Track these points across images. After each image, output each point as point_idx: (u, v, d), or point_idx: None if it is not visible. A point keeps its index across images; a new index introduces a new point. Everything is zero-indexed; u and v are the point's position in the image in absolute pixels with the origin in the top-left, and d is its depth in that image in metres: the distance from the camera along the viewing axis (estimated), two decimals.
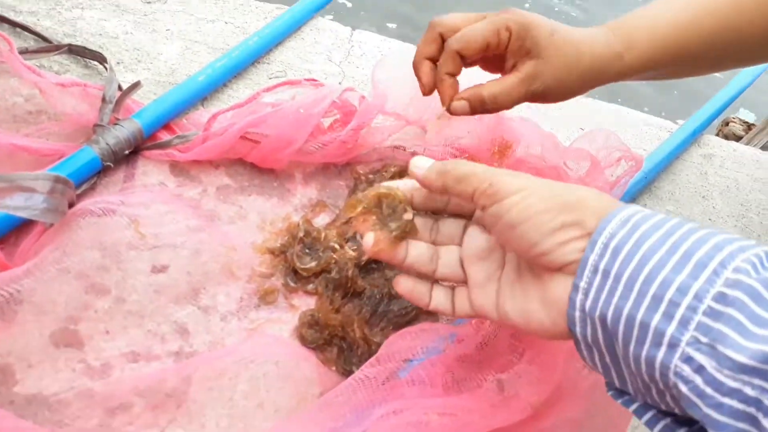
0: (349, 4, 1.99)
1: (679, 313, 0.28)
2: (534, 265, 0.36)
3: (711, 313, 0.27)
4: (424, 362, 0.44)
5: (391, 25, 2.06)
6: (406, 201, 0.41)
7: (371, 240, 0.40)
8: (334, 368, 0.49)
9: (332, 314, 0.49)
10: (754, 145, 1.03)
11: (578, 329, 0.33)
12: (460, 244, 0.42)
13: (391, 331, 0.51)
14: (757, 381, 0.25)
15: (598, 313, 0.31)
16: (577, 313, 0.32)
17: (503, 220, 0.35)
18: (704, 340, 0.27)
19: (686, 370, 0.27)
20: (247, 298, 0.51)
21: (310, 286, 0.52)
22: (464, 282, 0.41)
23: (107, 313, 0.47)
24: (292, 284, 0.52)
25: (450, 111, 0.49)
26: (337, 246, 0.54)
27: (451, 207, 0.42)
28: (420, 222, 0.42)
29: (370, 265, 0.54)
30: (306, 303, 0.52)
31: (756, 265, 0.28)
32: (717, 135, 1.23)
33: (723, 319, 0.27)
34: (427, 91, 0.50)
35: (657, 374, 0.29)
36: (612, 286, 0.31)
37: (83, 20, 0.66)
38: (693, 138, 0.80)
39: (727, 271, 0.28)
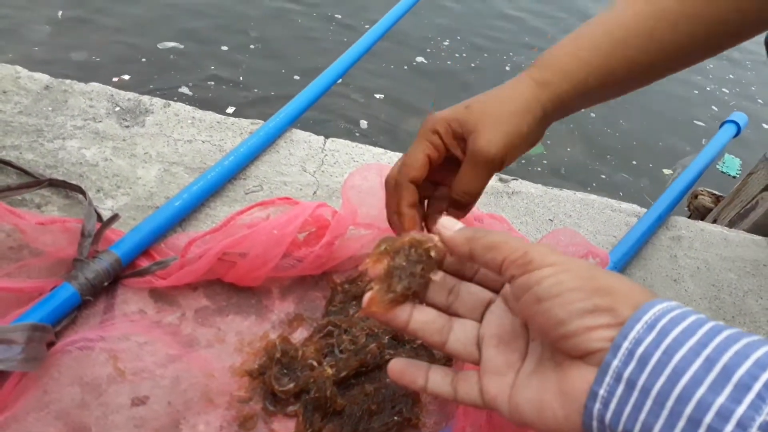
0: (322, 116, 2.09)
1: None
2: (556, 348, 0.33)
3: None
4: None
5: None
6: (436, 257, 0.38)
7: (366, 298, 0.37)
8: None
9: None
10: (723, 219, 1.06)
11: None
12: (479, 321, 0.39)
13: None
14: None
15: (620, 428, 0.28)
16: (595, 423, 0.30)
17: (531, 292, 0.32)
18: None
19: None
20: (227, 426, 0.52)
21: (290, 409, 0.53)
22: (475, 363, 0.38)
23: None
24: (271, 408, 0.53)
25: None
26: (315, 364, 0.55)
27: (479, 277, 0.40)
28: (439, 275, 0.39)
29: (349, 381, 0.55)
30: (286, 427, 0.52)
31: None
32: (688, 207, 1.26)
33: None
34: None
35: None
36: (638, 400, 0.28)
37: (64, 150, 0.69)
38: (660, 221, 0.83)
39: None
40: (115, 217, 0.59)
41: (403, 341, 0.58)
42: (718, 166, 2.13)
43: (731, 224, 1.02)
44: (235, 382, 0.54)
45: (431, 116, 0.48)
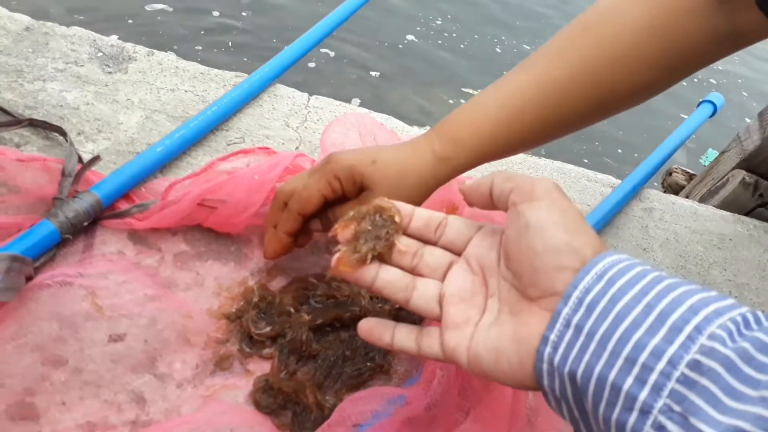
0: (312, 65, 2.07)
1: (653, 378, 0.27)
2: (521, 284, 0.36)
3: (685, 380, 0.27)
4: (374, 426, 0.46)
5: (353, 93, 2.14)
6: (400, 223, 0.41)
7: (334, 258, 0.40)
8: None
9: (285, 380, 0.51)
10: (694, 196, 1.09)
11: (546, 382, 0.33)
12: (441, 281, 0.41)
13: (345, 393, 0.53)
14: None
15: (567, 369, 0.31)
16: (545, 366, 0.32)
17: (524, 218, 0.35)
18: (677, 409, 0.27)
19: None
20: (203, 365, 0.53)
21: (266, 351, 0.54)
22: (436, 319, 0.40)
23: (64, 384, 0.48)
24: (247, 350, 0.54)
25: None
26: (291, 310, 0.56)
27: (442, 242, 0.42)
28: (405, 242, 0.42)
29: (325, 328, 0.56)
30: (261, 368, 0.53)
31: (732, 332, 0.27)
32: (663, 183, 1.29)
33: (697, 390, 0.26)
34: (269, 256, 0.55)
35: None
36: (584, 343, 0.30)
37: (45, 92, 0.68)
38: (634, 193, 0.85)
39: (703, 337, 0.27)
40: (96, 159, 0.59)
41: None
42: (700, 161, 2.16)
43: (702, 200, 1.05)
44: (212, 324, 0.55)
45: (335, 158, 0.52)
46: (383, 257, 0.41)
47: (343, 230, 0.41)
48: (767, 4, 0.47)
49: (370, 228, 0.41)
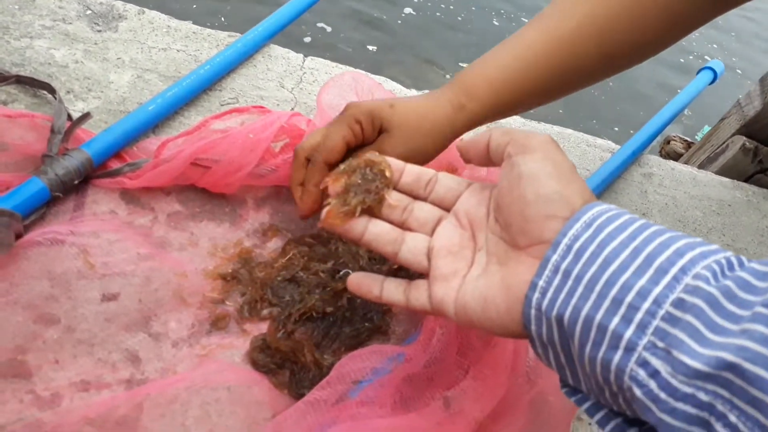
0: (308, 39, 2.04)
1: (638, 317, 0.28)
2: (511, 234, 0.36)
3: (669, 318, 0.27)
4: (373, 383, 0.45)
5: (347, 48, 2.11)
6: (390, 177, 0.41)
7: (324, 211, 0.40)
8: (286, 392, 0.49)
9: (283, 340, 0.50)
10: (693, 163, 1.08)
11: (533, 327, 0.33)
12: (430, 235, 0.42)
13: (343, 353, 0.52)
14: (710, 386, 0.26)
15: (555, 313, 0.31)
16: (533, 311, 0.33)
17: (518, 169, 0.36)
18: (661, 345, 0.27)
19: (641, 374, 0.28)
20: (199, 324, 0.52)
21: (264, 312, 0.53)
22: (424, 273, 0.41)
23: (56, 342, 0.47)
24: (246, 315, 0.53)
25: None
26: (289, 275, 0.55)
27: (432, 198, 0.43)
28: (395, 197, 0.42)
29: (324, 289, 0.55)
30: (258, 328, 0.53)
31: (716, 273, 0.28)
32: (660, 152, 1.28)
33: (680, 325, 0.27)
34: (306, 214, 0.51)
35: (612, 377, 0.29)
36: (572, 287, 0.31)
37: (32, 49, 0.66)
38: (633, 158, 0.84)
39: (688, 277, 0.28)
40: (86, 116, 0.57)
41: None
42: (696, 137, 2.15)
43: (701, 167, 1.04)
44: (207, 284, 0.54)
45: (354, 104, 0.51)
46: (373, 211, 0.41)
47: (333, 183, 0.41)
48: None
49: (360, 181, 0.41)
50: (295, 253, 0.57)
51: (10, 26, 0.67)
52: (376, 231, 0.41)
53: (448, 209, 0.43)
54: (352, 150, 0.51)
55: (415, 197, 0.43)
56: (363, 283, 0.42)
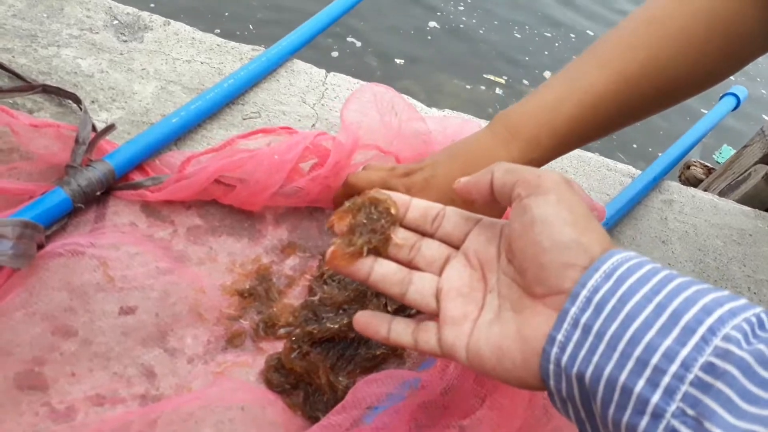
0: (335, 54, 2.06)
1: (665, 381, 0.27)
2: (525, 280, 0.34)
3: (699, 384, 0.26)
4: (388, 409, 0.45)
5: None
6: (396, 215, 0.40)
7: (329, 252, 0.39)
8: (300, 413, 0.49)
9: (297, 361, 0.50)
10: (713, 190, 1.07)
11: (552, 383, 0.32)
12: (438, 275, 0.40)
13: (358, 375, 0.52)
14: None
15: (575, 370, 0.30)
16: (552, 367, 0.31)
17: (531, 212, 0.34)
18: (691, 413, 0.26)
19: None
20: (215, 341, 0.52)
21: (281, 332, 0.53)
22: (433, 315, 0.39)
23: (73, 355, 0.47)
24: (262, 333, 0.52)
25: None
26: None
27: (439, 235, 0.41)
28: (402, 235, 0.41)
29: (340, 309, 0.55)
30: (273, 346, 0.52)
31: (747, 334, 0.27)
32: (679, 178, 1.27)
33: (711, 393, 0.26)
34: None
35: None
36: (593, 344, 0.29)
37: (59, 58, 0.67)
38: (654, 184, 0.83)
39: (717, 338, 0.26)
40: (111, 127, 0.58)
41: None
42: (714, 156, 2.13)
43: (721, 195, 1.03)
44: (224, 300, 0.54)
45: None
46: (379, 250, 0.40)
47: (339, 222, 0.40)
48: None
49: (365, 221, 0.40)
50: (321, 297, 0.56)
51: (38, 34, 0.68)
52: (382, 272, 0.40)
53: (456, 246, 0.41)
54: None
55: (422, 233, 0.41)
56: (370, 323, 0.40)
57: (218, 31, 1.98)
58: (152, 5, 2.02)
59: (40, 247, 0.49)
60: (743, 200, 0.97)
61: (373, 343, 0.54)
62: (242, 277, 0.56)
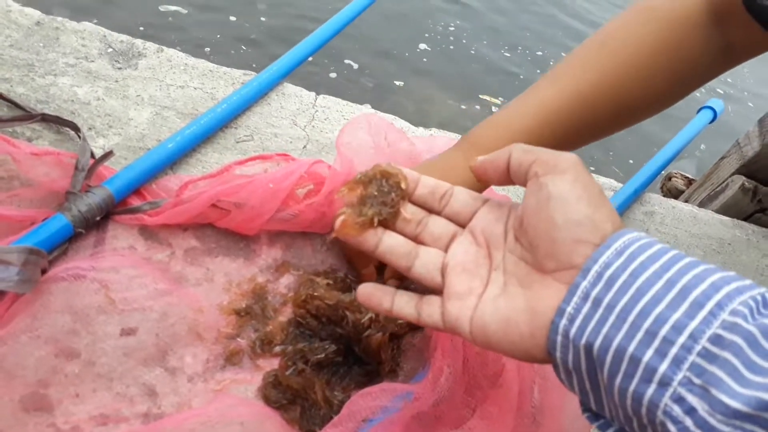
0: (333, 75, 2.09)
1: (673, 351, 0.28)
2: (536, 256, 0.36)
3: (706, 354, 0.27)
4: (383, 421, 0.47)
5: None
6: (406, 189, 0.40)
7: (339, 221, 0.39)
8: (297, 427, 0.51)
9: (293, 377, 0.52)
10: (693, 200, 1.10)
11: (558, 354, 0.33)
12: (444, 251, 0.41)
13: (353, 390, 0.53)
14: (749, 426, 0.25)
15: (583, 341, 0.31)
16: (559, 338, 0.32)
17: (547, 190, 0.35)
18: (697, 381, 0.27)
19: (676, 410, 0.27)
20: (213, 359, 0.53)
21: (276, 349, 0.55)
22: (438, 289, 0.40)
23: (77, 376, 0.49)
24: (259, 350, 0.54)
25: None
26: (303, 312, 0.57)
27: (446, 212, 0.42)
28: (410, 210, 0.41)
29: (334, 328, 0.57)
30: (270, 363, 0.54)
31: (753, 310, 0.28)
32: (662, 188, 1.31)
33: (718, 363, 0.27)
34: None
35: (643, 410, 0.29)
36: (603, 316, 0.30)
37: (56, 86, 0.68)
38: (635, 196, 0.86)
39: (725, 313, 0.28)
40: (109, 154, 0.60)
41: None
42: None
43: (701, 205, 1.06)
44: (222, 319, 0.55)
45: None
46: (387, 223, 0.40)
47: (349, 193, 0.40)
48: (762, 13, 0.50)
49: (376, 193, 0.40)
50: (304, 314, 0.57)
51: (35, 64, 0.70)
52: (390, 243, 0.40)
53: (462, 225, 0.42)
54: None
55: (430, 210, 0.43)
56: (373, 294, 0.41)
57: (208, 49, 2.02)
58: (141, 28, 2.04)
59: (44, 271, 0.51)
60: (722, 210, 1.00)
61: (365, 362, 0.55)
62: (239, 296, 0.58)
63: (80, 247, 0.56)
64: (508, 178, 0.39)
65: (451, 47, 2.52)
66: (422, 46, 2.48)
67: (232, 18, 2.21)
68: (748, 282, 0.29)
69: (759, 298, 0.28)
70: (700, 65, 0.55)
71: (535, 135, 0.54)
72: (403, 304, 0.41)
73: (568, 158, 0.36)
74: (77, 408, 0.48)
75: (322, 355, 0.54)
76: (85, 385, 0.49)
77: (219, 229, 0.61)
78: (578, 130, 0.55)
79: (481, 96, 2.34)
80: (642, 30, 0.54)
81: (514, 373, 0.52)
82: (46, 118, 0.62)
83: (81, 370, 0.49)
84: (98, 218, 0.57)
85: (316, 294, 0.56)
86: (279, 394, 0.52)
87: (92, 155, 0.60)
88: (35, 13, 0.76)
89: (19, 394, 0.47)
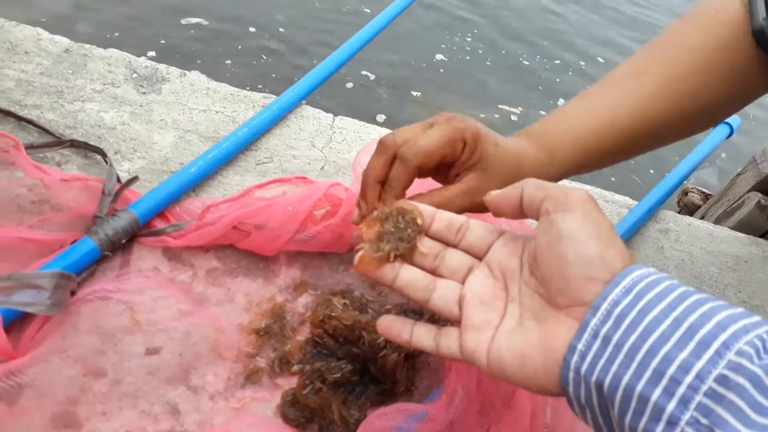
0: (350, 85, 2.12)
1: (681, 391, 0.28)
2: (549, 292, 0.36)
3: (712, 394, 0.28)
4: None
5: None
6: (422, 225, 0.42)
7: (357, 257, 0.41)
8: None
9: (310, 396, 0.53)
10: (710, 216, 1.10)
11: (571, 389, 0.33)
12: (461, 283, 0.42)
13: (369, 408, 0.55)
14: None
15: (594, 378, 0.32)
16: (572, 375, 0.33)
17: (558, 227, 0.35)
18: (704, 422, 0.27)
19: None
20: (234, 378, 0.55)
21: (295, 368, 0.56)
22: (455, 321, 0.41)
23: (104, 395, 0.51)
24: (277, 370, 0.56)
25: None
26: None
27: (463, 245, 0.43)
28: (427, 244, 0.42)
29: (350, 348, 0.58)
30: (289, 382, 0.56)
31: (759, 350, 0.28)
32: (678, 203, 1.30)
33: (724, 404, 0.27)
34: (365, 214, 0.47)
35: None
36: (612, 354, 0.31)
37: (84, 112, 0.71)
38: (650, 214, 0.86)
39: (731, 353, 0.28)
40: (134, 179, 0.62)
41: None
42: None
43: (718, 221, 1.06)
44: (242, 339, 0.57)
45: (461, 117, 0.48)
46: (405, 258, 0.42)
47: (367, 230, 0.42)
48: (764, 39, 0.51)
49: (393, 229, 0.42)
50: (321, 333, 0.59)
51: (64, 90, 0.73)
52: (407, 277, 0.41)
53: (479, 257, 0.43)
54: (439, 167, 0.48)
55: (446, 243, 0.43)
56: (393, 326, 0.42)
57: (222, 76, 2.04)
58: (162, 41, 2.08)
59: (72, 293, 0.53)
60: (738, 227, 1.00)
61: (381, 381, 0.57)
62: (258, 316, 0.59)
63: (107, 268, 0.59)
64: (521, 212, 0.40)
65: (468, 57, 2.53)
66: (439, 56, 2.49)
67: (252, 29, 2.25)
68: (756, 319, 0.30)
69: (765, 336, 0.29)
70: (749, 75, 0.54)
71: (596, 137, 0.53)
72: (422, 336, 0.42)
73: (578, 195, 0.36)
74: (104, 426, 0.49)
75: (339, 375, 0.55)
76: (112, 403, 0.51)
77: (239, 250, 0.63)
78: (641, 132, 0.54)
79: (500, 106, 2.35)
80: (696, 37, 0.54)
81: (527, 395, 0.53)
82: (75, 144, 0.65)
83: (108, 389, 0.51)
84: (124, 241, 0.59)
85: (333, 314, 0.58)
86: (297, 412, 0.53)
87: (118, 179, 0.63)
88: (64, 41, 0.79)
89: (50, 412, 0.49)
